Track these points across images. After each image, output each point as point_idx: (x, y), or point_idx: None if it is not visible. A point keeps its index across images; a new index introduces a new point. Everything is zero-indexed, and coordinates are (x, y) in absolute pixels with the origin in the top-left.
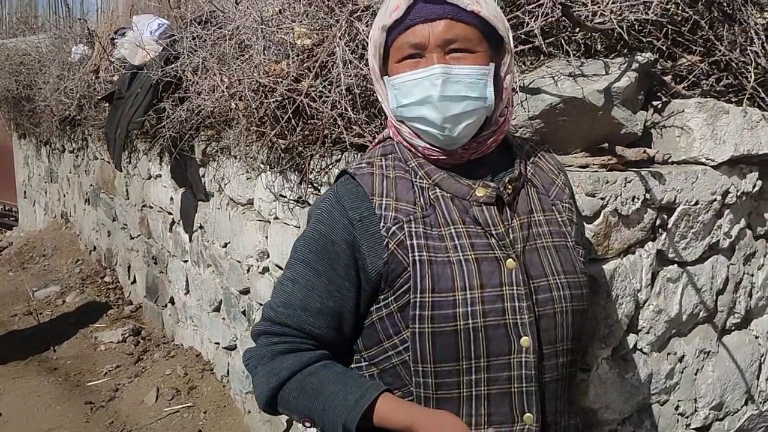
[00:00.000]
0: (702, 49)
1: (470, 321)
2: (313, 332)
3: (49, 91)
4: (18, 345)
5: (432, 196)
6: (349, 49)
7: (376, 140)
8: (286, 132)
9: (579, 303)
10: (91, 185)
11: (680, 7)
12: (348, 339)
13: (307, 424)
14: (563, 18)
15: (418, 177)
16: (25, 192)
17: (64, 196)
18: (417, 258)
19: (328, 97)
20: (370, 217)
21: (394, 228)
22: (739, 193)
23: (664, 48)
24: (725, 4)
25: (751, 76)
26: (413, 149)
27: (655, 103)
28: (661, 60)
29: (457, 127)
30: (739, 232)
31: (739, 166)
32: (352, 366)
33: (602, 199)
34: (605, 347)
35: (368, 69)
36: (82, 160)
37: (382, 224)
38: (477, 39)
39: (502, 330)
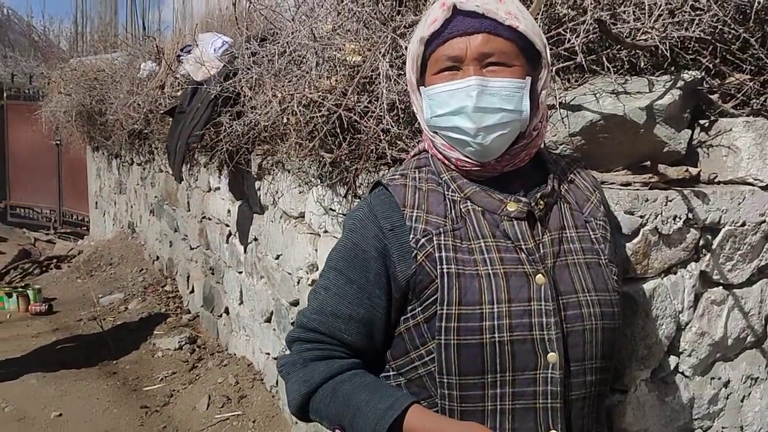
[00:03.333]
0: (753, 67)
1: (496, 334)
2: (344, 339)
3: (118, 105)
4: (82, 349)
5: (463, 210)
6: (392, 66)
7: (412, 153)
8: (333, 146)
9: (610, 321)
10: (155, 197)
11: (729, 25)
12: (379, 347)
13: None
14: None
15: (450, 190)
16: (96, 203)
17: (132, 207)
18: (445, 270)
19: (373, 112)
20: (401, 228)
21: (423, 240)
22: None
23: (711, 66)
24: None
25: None
26: (447, 161)
27: (702, 121)
28: (709, 78)
29: (489, 136)
30: None
31: None
32: (382, 375)
33: (641, 217)
34: (644, 368)
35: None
36: (149, 172)
37: (411, 236)
38: (514, 53)
39: (529, 345)
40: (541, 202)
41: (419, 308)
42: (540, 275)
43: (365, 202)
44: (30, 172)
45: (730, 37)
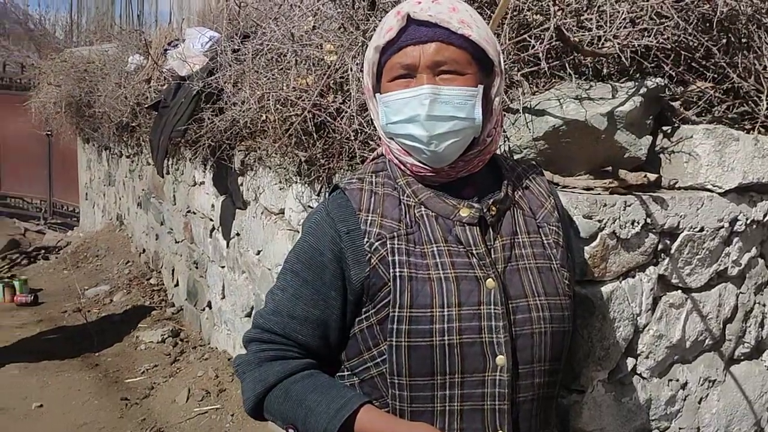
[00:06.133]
0: (715, 75)
1: (446, 337)
2: (299, 339)
3: (106, 98)
4: (65, 340)
5: (417, 215)
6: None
7: (371, 157)
8: (308, 145)
9: (560, 324)
10: (143, 190)
11: (692, 34)
12: (334, 348)
13: (291, 431)
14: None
15: (405, 195)
16: (86, 194)
17: (120, 199)
18: (398, 274)
19: (345, 112)
20: (356, 231)
21: (376, 244)
22: (748, 222)
23: (674, 74)
24: (741, 31)
25: (764, 104)
26: (402, 166)
27: (665, 128)
28: (672, 85)
29: (442, 144)
30: (750, 260)
31: (749, 193)
32: (337, 375)
33: (599, 221)
34: (600, 369)
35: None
36: (137, 165)
37: (366, 239)
38: (466, 61)
39: (478, 348)
40: (494, 208)
41: (372, 310)
42: (490, 279)
43: (323, 206)
44: (21, 163)
45: (695, 45)
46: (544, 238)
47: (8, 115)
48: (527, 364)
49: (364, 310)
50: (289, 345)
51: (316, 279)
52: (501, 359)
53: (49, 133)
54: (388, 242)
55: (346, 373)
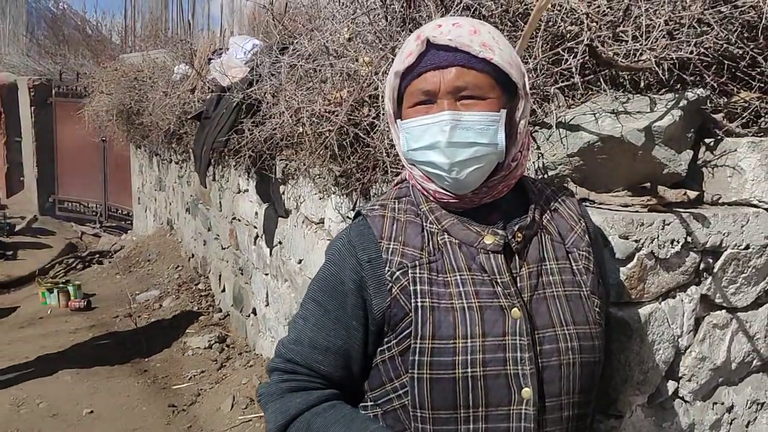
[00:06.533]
0: (762, 85)
1: (469, 369)
2: (321, 370)
3: (154, 106)
4: (116, 346)
5: (440, 242)
6: None
7: (395, 182)
8: (343, 158)
9: (590, 355)
10: (191, 196)
11: (735, 43)
12: (357, 378)
13: None
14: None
15: (428, 222)
16: (139, 198)
17: (170, 204)
18: (419, 304)
19: (379, 127)
20: (378, 260)
21: (398, 273)
22: None
23: (716, 84)
24: None
25: None
26: (425, 192)
27: (708, 140)
28: (715, 96)
29: (464, 171)
30: None
31: None
32: (360, 405)
33: (636, 241)
34: (639, 394)
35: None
36: (185, 171)
37: (387, 268)
38: (488, 86)
39: (503, 380)
40: (519, 235)
41: (394, 341)
42: (516, 309)
43: (345, 233)
44: (77, 168)
45: (739, 53)
46: (573, 264)
47: (66, 122)
48: (555, 396)
49: (385, 340)
50: (311, 375)
51: (338, 308)
52: (527, 392)
53: (104, 139)
54: (409, 271)
55: (369, 403)
